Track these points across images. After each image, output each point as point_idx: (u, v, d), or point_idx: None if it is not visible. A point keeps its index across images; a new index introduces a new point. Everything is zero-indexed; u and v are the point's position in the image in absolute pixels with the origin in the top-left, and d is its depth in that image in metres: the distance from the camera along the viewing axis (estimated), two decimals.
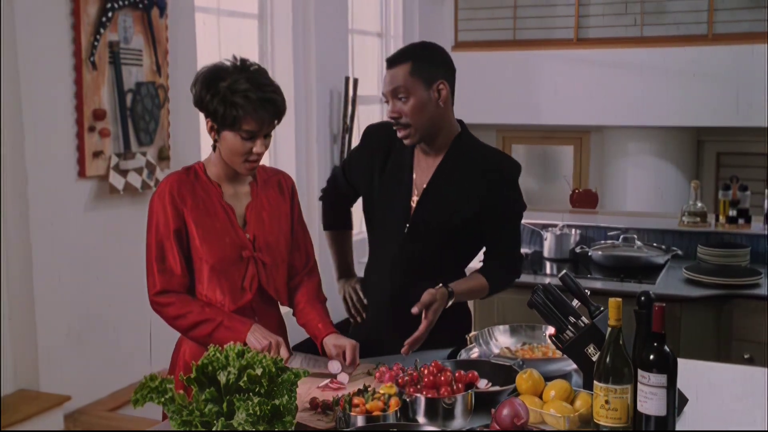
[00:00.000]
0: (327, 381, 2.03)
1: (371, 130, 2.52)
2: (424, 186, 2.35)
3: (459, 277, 2.37)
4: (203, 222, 2.12)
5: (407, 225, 2.36)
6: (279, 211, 2.24)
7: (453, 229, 2.35)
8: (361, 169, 2.48)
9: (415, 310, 2.19)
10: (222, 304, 2.13)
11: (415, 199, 2.36)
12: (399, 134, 2.31)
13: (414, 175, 2.37)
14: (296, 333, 2.38)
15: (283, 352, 2.05)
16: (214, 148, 2.14)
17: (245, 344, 1.90)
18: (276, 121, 2.11)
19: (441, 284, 2.26)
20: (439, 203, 2.34)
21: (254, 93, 2.04)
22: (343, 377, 2.04)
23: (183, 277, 2.12)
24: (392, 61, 2.29)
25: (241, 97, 2.02)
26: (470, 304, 3.80)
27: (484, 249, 2.47)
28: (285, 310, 2.32)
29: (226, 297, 2.14)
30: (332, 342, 2.18)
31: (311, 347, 2.28)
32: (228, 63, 2.10)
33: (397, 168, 2.39)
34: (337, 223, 2.66)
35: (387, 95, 2.30)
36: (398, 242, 2.37)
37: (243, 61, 2.10)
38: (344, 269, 2.60)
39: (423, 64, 2.27)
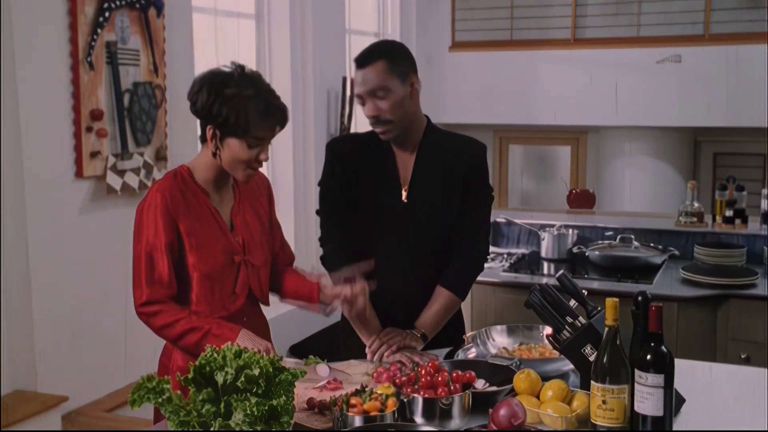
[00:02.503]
0: (324, 381, 2.03)
1: (337, 144, 2.51)
2: (409, 177, 2.39)
3: (448, 259, 2.40)
4: (196, 230, 2.10)
5: (404, 218, 2.38)
6: (260, 212, 2.25)
7: (446, 213, 2.38)
8: (347, 178, 2.42)
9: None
10: (213, 311, 2.12)
11: (404, 192, 2.39)
12: (377, 130, 2.33)
13: (399, 171, 2.40)
14: (290, 335, 2.38)
15: None
16: (215, 154, 2.09)
17: None
18: (280, 128, 2.10)
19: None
20: (428, 190, 2.38)
21: (263, 100, 2.04)
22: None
23: (170, 288, 2.09)
24: (365, 61, 2.28)
25: (252, 103, 2.02)
26: (466, 304, 3.84)
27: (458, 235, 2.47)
28: (271, 315, 2.33)
29: (218, 303, 2.13)
30: (332, 281, 2.22)
31: (309, 348, 2.29)
32: (228, 69, 2.08)
33: (379, 168, 2.41)
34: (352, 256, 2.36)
35: (363, 95, 2.29)
36: (396, 237, 2.39)
37: (242, 66, 2.10)
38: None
39: (397, 61, 2.29)
